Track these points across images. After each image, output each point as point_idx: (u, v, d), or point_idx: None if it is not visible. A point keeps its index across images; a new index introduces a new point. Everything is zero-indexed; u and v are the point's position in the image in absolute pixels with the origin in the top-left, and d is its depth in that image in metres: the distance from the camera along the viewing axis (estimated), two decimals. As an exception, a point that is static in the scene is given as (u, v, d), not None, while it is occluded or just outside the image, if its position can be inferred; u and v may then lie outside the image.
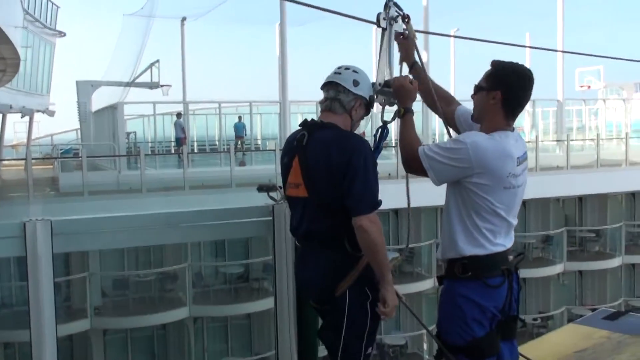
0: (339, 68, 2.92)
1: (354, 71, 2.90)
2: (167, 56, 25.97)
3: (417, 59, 3.23)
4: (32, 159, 17.76)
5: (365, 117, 3.01)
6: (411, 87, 2.97)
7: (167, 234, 3.37)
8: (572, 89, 31.75)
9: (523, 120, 30.11)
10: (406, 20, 3.20)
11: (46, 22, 25.49)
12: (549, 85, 27.61)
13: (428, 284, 17.80)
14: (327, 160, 2.73)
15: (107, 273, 16.45)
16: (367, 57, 21.90)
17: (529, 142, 25.21)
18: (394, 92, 3.00)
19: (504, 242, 2.98)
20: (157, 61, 24.02)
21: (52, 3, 26.16)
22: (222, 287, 17.59)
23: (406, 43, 3.23)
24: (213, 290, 17.46)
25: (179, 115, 22.81)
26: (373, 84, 3.05)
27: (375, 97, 3.04)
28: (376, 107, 3.16)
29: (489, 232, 2.89)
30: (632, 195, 23.01)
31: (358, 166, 2.70)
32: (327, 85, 2.89)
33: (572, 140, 24.52)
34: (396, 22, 3.16)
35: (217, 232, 3.77)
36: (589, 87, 33.12)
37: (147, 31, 23.31)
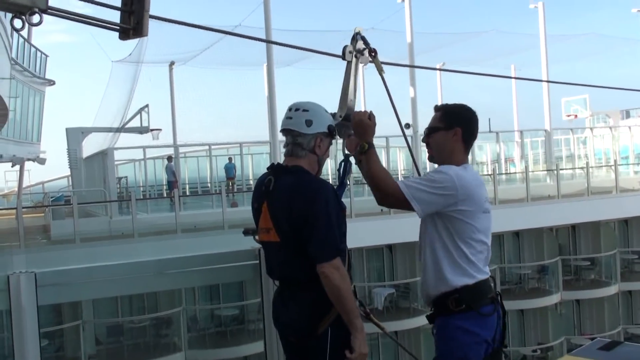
0: (290, 110, 2.91)
1: (305, 110, 2.88)
2: (156, 100, 26.19)
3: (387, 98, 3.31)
4: (23, 207, 17.68)
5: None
6: (370, 123, 2.99)
7: (155, 281, 3.37)
8: (559, 118, 32.09)
9: (513, 150, 30.37)
10: (373, 54, 3.23)
11: (35, 71, 25.65)
12: (536, 116, 27.91)
13: (425, 319, 17.67)
14: (290, 208, 2.74)
15: (100, 320, 16.25)
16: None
17: (519, 172, 25.41)
18: (353, 127, 3.01)
19: (486, 269, 3.06)
20: (147, 106, 24.13)
21: (41, 52, 26.37)
22: (217, 330, 17.39)
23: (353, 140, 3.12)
24: (208, 334, 17.26)
25: (169, 159, 22.88)
26: (334, 114, 3.06)
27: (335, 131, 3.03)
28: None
29: (474, 259, 2.97)
30: (625, 222, 23.08)
31: (319, 213, 2.70)
32: (284, 131, 2.91)
33: (562, 169, 24.67)
34: (362, 54, 3.17)
35: (205, 278, 3.77)
36: (576, 116, 33.45)
37: (136, 77, 23.46)
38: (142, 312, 16.78)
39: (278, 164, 2.94)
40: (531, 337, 21.09)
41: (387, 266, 19.63)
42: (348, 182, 3.09)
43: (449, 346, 2.98)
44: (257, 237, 3.01)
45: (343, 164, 3.12)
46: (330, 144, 2.96)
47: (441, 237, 2.96)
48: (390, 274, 19.51)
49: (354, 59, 3.15)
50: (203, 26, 3.62)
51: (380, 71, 3.27)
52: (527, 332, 21.16)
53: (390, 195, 2.91)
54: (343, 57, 3.16)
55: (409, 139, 22.16)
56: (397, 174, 23.23)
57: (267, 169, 2.96)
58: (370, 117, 2.99)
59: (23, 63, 24.03)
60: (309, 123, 2.85)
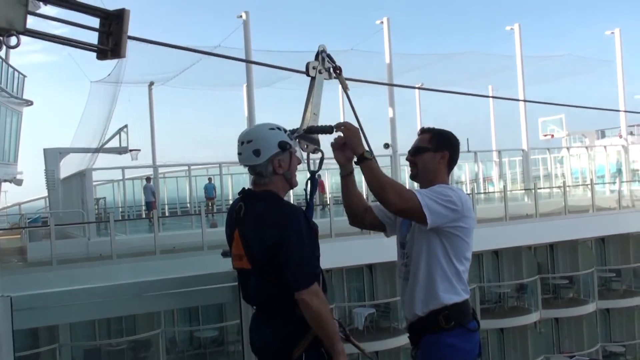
0: (238, 145, 2.88)
1: (249, 141, 2.84)
2: (135, 121, 25.93)
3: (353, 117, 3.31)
4: (-1, 229, 17.47)
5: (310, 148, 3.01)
6: (356, 129, 3.03)
7: (133, 304, 3.33)
8: (536, 138, 32.45)
9: (491, 170, 30.63)
10: (337, 72, 3.25)
11: (12, 91, 25.42)
12: (513, 136, 28.20)
13: (406, 339, 17.50)
14: (261, 235, 2.74)
15: (77, 343, 16.01)
16: (335, 111, 22.21)
17: (498, 191, 25.62)
18: (349, 137, 3.00)
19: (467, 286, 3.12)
20: (126, 126, 24.05)
21: (19, 72, 26.16)
22: (196, 352, 17.23)
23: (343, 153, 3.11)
24: (188, 356, 17.10)
25: (148, 179, 22.76)
26: (296, 129, 3.06)
27: (299, 142, 3.05)
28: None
29: (464, 277, 3.06)
30: (602, 240, 23.32)
31: (292, 240, 2.69)
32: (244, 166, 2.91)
33: (540, 188, 24.92)
34: (327, 71, 3.18)
35: (183, 300, 3.73)
36: (552, 135, 33.85)
37: (115, 97, 23.34)
38: (120, 335, 16.58)
39: (248, 189, 2.92)
40: (511, 356, 21.14)
41: (367, 286, 19.61)
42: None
43: None
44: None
45: (309, 182, 3.11)
46: (292, 153, 2.91)
47: (437, 254, 3.00)
48: (371, 294, 19.48)
49: (317, 75, 3.14)
50: (182, 46, 3.63)
51: (345, 88, 3.29)
52: (507, 351, 21.21)
53: (408, 200, 2.90)
54: (307, 73, 3.15)
55: (389, 158, 22.28)
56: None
57: (239, 193, 2.95)
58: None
59: (0, 83, 23.83)
60: (257, 153, 2.82)
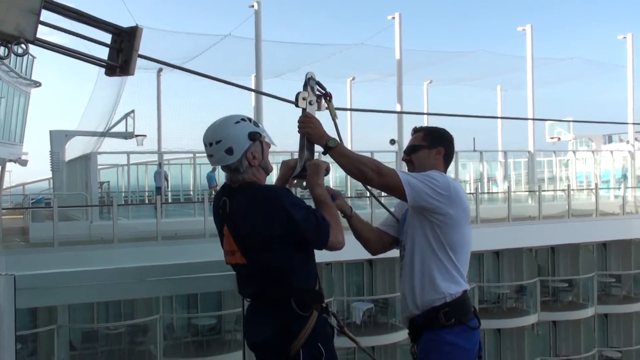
0: (206, 147, 2.80)
1: (218, 142, 2.76)
2: (142, 106, 25.88)
3: (337, 138, 3.06)
4: (2, 208, 17.50)
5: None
6: (312, 122, 2.99)
7: (134, 288, 3.34)
8: (542, 140, 32.38)
9: (496, 170, 30.59)
10: (328, 99, 3.12)
11: (21, 72, 25.46)
12: (520, 137, 28.13)
13: (403, 335, 17.62)
14: (253, 225, 2.72)
15: (75, 325, 16.08)
16: (343, 105, 22.20)
17: (502, 192, 25.59)
18: (308, 136, 2.98)
19: (465, 278, 3.13)
20: (133, 111, 24.04)
21: (29, 54, 26.19)
22: (194, 340, 17.28)
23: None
24: (185, 343, 17.15)
25: (160, 165, 22.93)
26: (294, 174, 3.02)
27: (294, 182, 3.00)
28: None
29: (461, 268, 3.05)
30: (604, 245, 23.31)
31: (292, 211, 2.67)
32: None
33: (544, 190, 24.90)
34: (318, 101, 3.05)
35: (184, 287, 3.75)
36: (559, 138, 33.77)
37: (123, 82, 23.34)
38: (119, 319, 16.65)
39: (227, 184, 2.89)
40: (507, 357, 21.17)
41: (367, 281, 19.66)
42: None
43: None
44: None
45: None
46: (262, 141, 2.84)
47: (431, 244, 3.00)
48: (370, 289, 19.53)
49: (308, 106, 3.02)
50: (193, 71, 3.56)
51: (334, 117, 3.15)
52: (503, 352, 21.24)
53: (386, 175, 2.91)
54: (296, 104, 3.02)
55: (394, 154, 22.27)
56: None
57: (220, 188, 2.93)
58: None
59: (9, 63, 23.86)
60: (229, 152, 2.75)
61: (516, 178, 30.71)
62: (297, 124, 3.00)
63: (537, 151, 27.83)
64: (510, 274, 21.62)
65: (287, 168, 3.05)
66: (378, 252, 3.33)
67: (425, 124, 3.44)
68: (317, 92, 3.08)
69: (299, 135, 3.06)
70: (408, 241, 3.11)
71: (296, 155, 3.09)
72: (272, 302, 2.81)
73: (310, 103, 3.02)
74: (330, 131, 3.03)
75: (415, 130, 3.29)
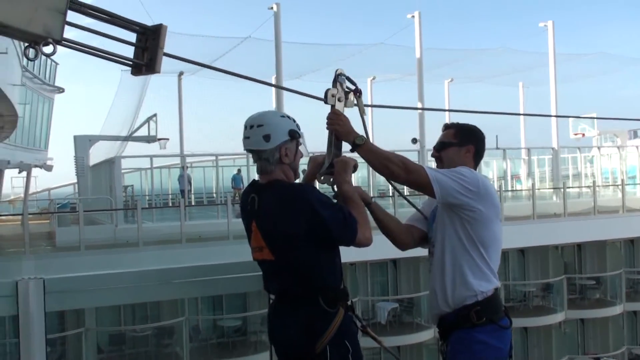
0: (246, 129, 2.83)
1: (259, 125, 2.80)
2: (164, 109, 26.12)
3: (364, 135, 3.05)
4: (29, 214, 17.73)
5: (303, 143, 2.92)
6: (341, 120, 2.99)
7: (160, 290, 3.37)
8: (566, 136, 32.06)
9: (519, 168, 30.35)
10: (358, 95, 3.11)
11: (45, 78, 25.85)
12: (543, 134, 27.90)
13: (428, 335, 17.59)
14: (281, 223, 2.73)
15: (103, 329, 16.23)
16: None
17: (526, 189, 25.39)
18: (337, 134, 2.98)
19: (496, 274, 3.10)
20: (155, 115, 24.21)
21: (52, 60, 26.54)
22: (219, 341, 17.35)
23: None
24: (210, 344, 17.22)
25: (184, 168, 23.16)
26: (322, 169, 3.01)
27: (321, 178, 3.00)
28: None
29: (492, 265, 3.04)
30: (631, 241, 22.99)
31: (318, 209, 2.68)
32: (248, 151, 2.86)
33: (569, 187, 24.64)
34: (347, 98, 3.05)
35: (210, 288, 3.77)
36: (583, 135, 33.43)
37: (145, 86, 23.58)
38: (145, 321, 16.76)
39: (256, 181, 2.92)
40: (534, 356, 20.99)
41: (391, 281, 19.61)
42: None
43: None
44: None
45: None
46: (299, 145, 2.88)
47: (461, 240, 2.98)
48: (394, 289, 19.48)
49: (337, 103, 3.02)
50: (218, 69, 3.60)
51: (362, 113, 3.15)
52: (530, 350, 21.05)
53: (414, 172, 2.91)
54: (325, 101, 3.03)
55: (416, 153, 22.23)
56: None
57: (249, 185, 2.95)
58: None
59: (33, 70, 24.20)
60: (267, 138, 2.78)
61: (540, 175, 30.44)
62: (326, 120, 3.01)
63: (561, 148, 27.57)
64: (536, 272, 21.42)
65: (315, 165, 3.06)
66: (408, 246, 3.28)
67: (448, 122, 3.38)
68: (347, 89, 3.07)
69: (325, 135, 3.07)
70: (438, 238, 3.09)
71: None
72: (298, 299, 2.81)
73: (339, 100, 3.02)
74: (358, 128, 3.03)
75: (447, 127, 3.25)
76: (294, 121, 2.89)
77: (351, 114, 3.08)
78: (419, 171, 2.91)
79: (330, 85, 3.07)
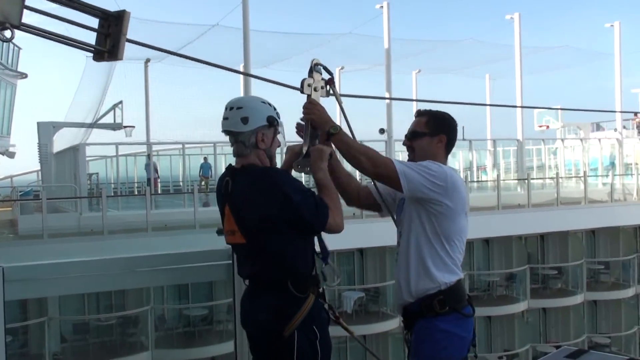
0: (225, 110, 2.87)
1: (239, 108, 2.84)
2: (130, 97, 25.76)
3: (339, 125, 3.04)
4: (-10, 201, 17.39)
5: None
6: (316, 110, 2.99)
7: (125, 279, 3.32)
8: (531, 128, 32.48)
9: (485, 159, 30.68)
10: (332, 83, 3.12)
11: (7, 63, 25.23)
12: (509, 125, 28.22)
13: (394, 324, 17.72)
14: (254, 206, 2.75)
15: (66, 317, 16.00)
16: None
17: (491, 180, 25.68)
18: (313, 122, 2.99)
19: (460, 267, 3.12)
20: (121, 102, 23.90)
21: (14, 45, 25.94)
22: (185, 330, 17.26)
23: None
24: (176, 334, 17.14)
25: (149, 156, 22.88)
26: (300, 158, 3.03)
27: (298, 167, 3.01)
28: None
29: (455, 258, 3.04)
30: (592, 232, 23.44)
31: (290, 194, 2.70)
32: (225, 132, 2.88)
33: (533, 179, 25.00)
34: (322, 88, 3.07)
35: (176, 277, 3.74)
36: (548, 127, 33.90)
37: (111, 72, 23.18)
38: (109, 310, 16.61)
39: (231, 165, 2.94)
40: (498, 344, 21.31)
41: (358, 270, 19.69)
42: None
43: (432, 349, 2.99)
44: None
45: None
46: (277, 133, 2.91)
47: (426, 233, 3.00)
48: (360, 278, 19.56)
49: (313, 92, 3.04)
50: (179, 54, 3.55)
51: (340, 102, 3.17)
52: (493, 339, 21.37)
53: (381, 165, 2.92)
54: (301, 90, 3.05)
55: (384, 143, 22.30)
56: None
57: (225, 170, 2.96)
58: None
59: (-6, 53, 23.64)
60: (245, 120, 2.80)
61: (505, 166, 30.84)
62: (302, 109, 3.02)
63: (526, 139, 27.93)
64: (500, 262, 21.72)
65: (293, 154, 3.07)
66: (352, 204, 3.30)
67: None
68: (322, 79, 3.08)
69: (294, 124, 3.08)
70: (404, 230, 3.11)
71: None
72: (269, 284, 2.83)
73: (315, 90, 3.04)
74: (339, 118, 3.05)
75: (419, 114, 3.23)
76: (275, 109, 2.91)
77: (328, 104, 3.09)
78: (387, 164, 2.92)
79: (304, 75, 3.07)
